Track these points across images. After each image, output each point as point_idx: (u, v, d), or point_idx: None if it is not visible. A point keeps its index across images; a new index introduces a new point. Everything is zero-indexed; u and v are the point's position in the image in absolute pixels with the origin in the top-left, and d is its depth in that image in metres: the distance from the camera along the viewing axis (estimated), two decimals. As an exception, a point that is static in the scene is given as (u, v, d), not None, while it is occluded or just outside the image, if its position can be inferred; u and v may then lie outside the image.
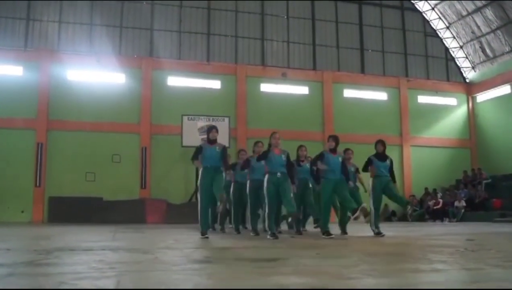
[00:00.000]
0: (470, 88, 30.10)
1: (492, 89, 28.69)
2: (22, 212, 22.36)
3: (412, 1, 30.27)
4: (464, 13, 28.77)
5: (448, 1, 28.99)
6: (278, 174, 10.14)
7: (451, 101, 29.79)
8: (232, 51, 27.09)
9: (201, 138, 22.99)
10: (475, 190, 24.80)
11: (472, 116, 29.87)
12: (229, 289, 3.42)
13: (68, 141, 23.44)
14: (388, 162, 11.33)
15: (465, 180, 26.72)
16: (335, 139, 10.83)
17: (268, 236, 9.66)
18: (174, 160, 24.30)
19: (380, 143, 11.43)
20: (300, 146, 12.45)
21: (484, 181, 25.44)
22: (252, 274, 4.15)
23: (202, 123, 23.25)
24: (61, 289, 3.32)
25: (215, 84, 26.12)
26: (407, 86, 28.87)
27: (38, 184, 22.84)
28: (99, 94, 23.89)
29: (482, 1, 27.16)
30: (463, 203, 23.54)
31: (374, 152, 11.44)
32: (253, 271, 4.38)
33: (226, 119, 23.78)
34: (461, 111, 29.94)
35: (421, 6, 30.29)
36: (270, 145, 10.49)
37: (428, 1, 29.94)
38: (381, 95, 28.50)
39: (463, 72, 30.54)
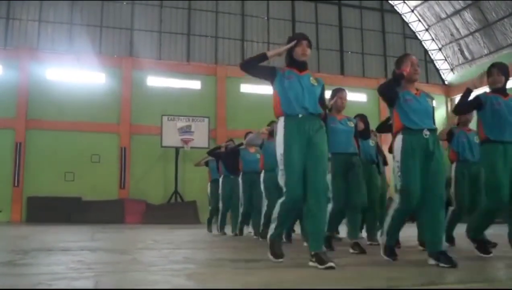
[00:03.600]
0: (448, 90, 30.36)
1: (470, 91, 28.93)
2: (0, 211, 22.18)
3: (391, 1, 30.47)
4: (443, 15, 29.04)
5: (427, 2, 29.21)
6: (426, 131, 5.09)
7: (430, 102, 29.95)
8: (212, 52, 27.11)
9: (181, 139, 23.12)
10: (453, 192, 24.96)
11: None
12: (208, 289, 3.46)
13: (47, 141, 23.28)
14: None
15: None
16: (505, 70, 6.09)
17: (383, 250, 5.61)
18: (153, 160, 24.27)
19: None
20: None
21: (462, 183, 25.58)
22: (232, 275, 4.19)
23: (182, 123, 23.27)
24: (38, 289, 3.33)
25: (195, 84, 26.11)
26: (386, 87, 29.01)
27: (16, 184, 22.69)
28: (79, 93, 23.74)
29: (461, 1, 27.40)
30: (441, 204, 23.70)
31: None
32: (232, 272, 4.42)
33: (206, 120, 23.79)
34: (440, 113, 30.12)
35: (401, 8, 30.53)
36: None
37: (407, 1, 30.15)
38: (360, 97, 28.59)
39: (442, 74, 30.82)
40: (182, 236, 11.09)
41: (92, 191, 22.44)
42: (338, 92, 7.22)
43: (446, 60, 30.62)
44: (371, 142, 8.68)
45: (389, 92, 5.32)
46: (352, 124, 7.16)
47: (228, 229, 11.76)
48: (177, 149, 23.29)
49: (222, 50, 27.34)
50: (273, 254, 5.11)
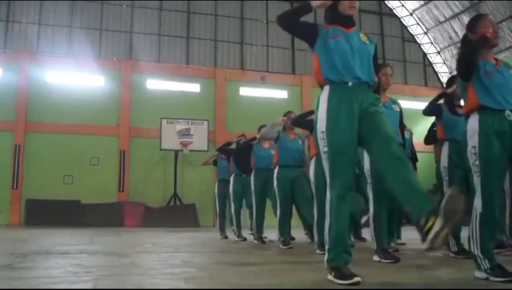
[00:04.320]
0: (447, 93, 30.32)
1: (469, 94, 28.93)
2: (-1, 214, 22.22)
3: (390, 1, 30.47)
4: (442, 19, 29.06)
5: (425, 5, 29.23)
6: (509, 112, 3.98)
7: (429, 105, 29.93)
8: (211, 55, 27.11)
9: (180, 142, 23.12)
10: (452, 194, 24.90)
11: (449, 121, 30.06)
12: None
13: (46, 143, 23.26)
14: None
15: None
16: None
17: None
18: (152, 163, 24.25)
19: None
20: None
21: (461, 185, 25.53)
22: (231, 278, 4.19)
23: (181, 126, 23.29)
24: (36, 290, 3.35)
25: (194, 87, 26.10)
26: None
27: (15, 187, 22.67)
28: (78, 96, 23.73)
29: (459, 4, 27.43)
30: (440, 207, 23.61)
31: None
32: (232, 275, 4.41)
33: (205, 123, 23.82)
34: (439, 116, 30.14)
35: (399, 12, 30.54)
36: None
37: (406, 1, 30.17)
38: (359, 100, 28.55)
39: (440, 77, 30.81)
40: (181, 239, 11.04)
41: (91, 194, 22.41)
42: (381, 68, 5.78)
43: (445, 63, 30.62)
44: (407, 134, 7.82)
45: (474, 61, 4.10)
46: (397, 108, 5.98)
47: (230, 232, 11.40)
48: (176, 152, 23.30)
49: (221, 53, 27.33)
50: (342, 277, 3.62)
